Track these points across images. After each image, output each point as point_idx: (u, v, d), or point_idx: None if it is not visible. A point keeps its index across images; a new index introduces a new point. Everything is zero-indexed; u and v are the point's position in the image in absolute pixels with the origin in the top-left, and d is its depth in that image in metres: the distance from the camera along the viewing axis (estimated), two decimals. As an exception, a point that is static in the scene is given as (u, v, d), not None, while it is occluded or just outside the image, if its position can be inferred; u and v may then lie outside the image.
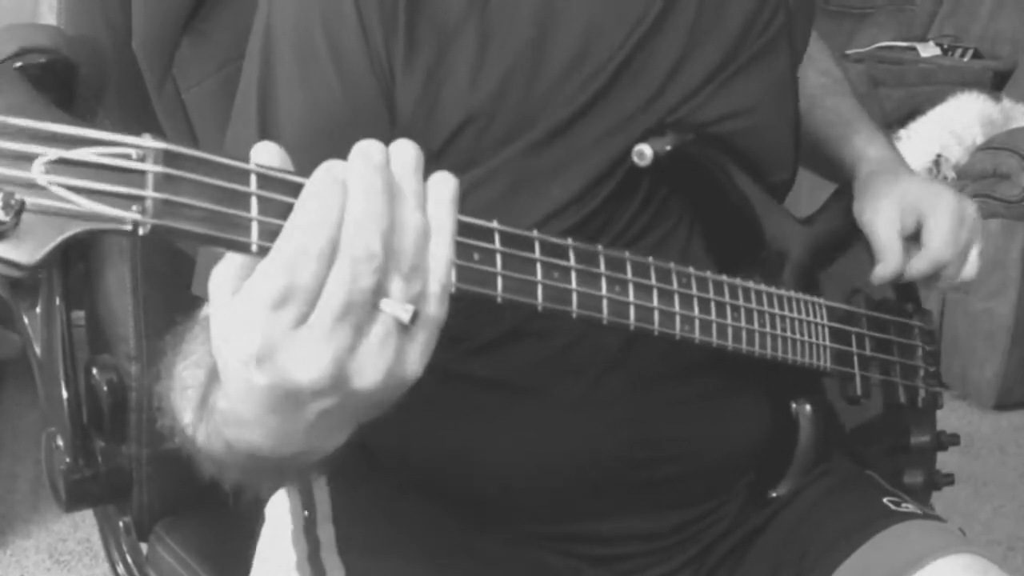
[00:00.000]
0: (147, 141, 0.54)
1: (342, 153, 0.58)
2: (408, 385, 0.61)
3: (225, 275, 0.58)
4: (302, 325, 0.56)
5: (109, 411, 1.12)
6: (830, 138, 1.13)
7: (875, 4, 4.17)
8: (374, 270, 0.56)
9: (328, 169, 0.57)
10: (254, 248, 0.56)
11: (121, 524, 1.18)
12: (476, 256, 0.66)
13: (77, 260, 1.14)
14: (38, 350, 1.12)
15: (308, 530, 0.91)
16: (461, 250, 0.65)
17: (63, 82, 1.01)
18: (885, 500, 0.98)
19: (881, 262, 1.03)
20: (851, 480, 1.02)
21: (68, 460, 1.11)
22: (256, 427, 0.61)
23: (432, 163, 0.84)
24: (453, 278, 0.64)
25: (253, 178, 0.57)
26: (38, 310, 1.11)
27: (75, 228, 0.53)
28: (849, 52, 3.83)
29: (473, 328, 0.88)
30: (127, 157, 0.53)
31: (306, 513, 0.92)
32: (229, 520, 1.09)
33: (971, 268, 1.06)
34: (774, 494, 0.99)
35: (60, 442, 1.12)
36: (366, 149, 0.57)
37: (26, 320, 1.12)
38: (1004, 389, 2.92)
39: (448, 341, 0.88)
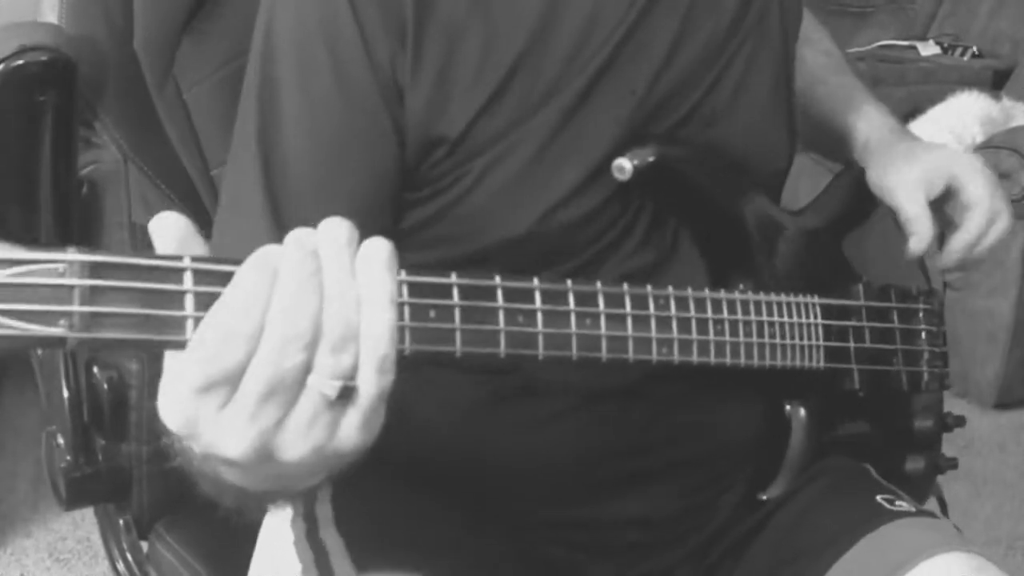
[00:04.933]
0: (71, 255, 0.54)
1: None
2: (350, 457, 0.61)
3: None
4: (227, 406, 0.56)
5: (110, 409, 1.12)
6: (835, 112, 1.13)
7: (875, 3, 4.17)
8: (300, 348, 0.56)
9: (261, 253, 0.57)
10: (189, 344, 0.56)
11: (121, 522, 1.18)
12: (432, 314, 0.64)
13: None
14: (38, 348, 1.12)
15: (307, 512, 0.91)
16: (415, 311, 0.63)
17: (64, 81, 1.02)
18: (879, 498, 0.97)
19: (913, 235, 1.01)
20: (846, 479, 1.02)
21: (68, 458, 1.11)
22: (223, 469, 0.62)
23: (454, 152, 0.84)
24: (407, 342, 0.63)
25: (187, 275, 0.56)
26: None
27: (2, 345, 0.53)
28: (849, 51, 3.82)
29: None
30: (53, 273, 0.54)
31: (304, 498, 0.93)
32: (229, 518, 1.09)
33: (991, 238, 1.04)
34: (764, 497, 0.99)
35: (60, 440, 1.12)
36: (298, 236, 0.57)
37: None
38: (1004, 388, 2.92)
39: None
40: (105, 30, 1.10)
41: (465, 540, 0.91)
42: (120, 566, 1.18)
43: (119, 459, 1.14)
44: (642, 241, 0.91)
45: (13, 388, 2.54)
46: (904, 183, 1.02)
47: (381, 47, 0.82)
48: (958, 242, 1.03)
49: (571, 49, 0.87)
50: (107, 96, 1.09)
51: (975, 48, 3.77)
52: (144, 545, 1.19)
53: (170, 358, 0.58)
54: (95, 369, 1.13)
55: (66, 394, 1.11)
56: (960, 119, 3.14)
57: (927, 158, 1.03)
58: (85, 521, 2.19)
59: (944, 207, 1.05)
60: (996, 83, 3.54)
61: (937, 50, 3.80)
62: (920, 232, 1.01)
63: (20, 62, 0.98)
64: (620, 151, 0.87)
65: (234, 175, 0.86)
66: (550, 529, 0.95)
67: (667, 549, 0.98)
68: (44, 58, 1.00)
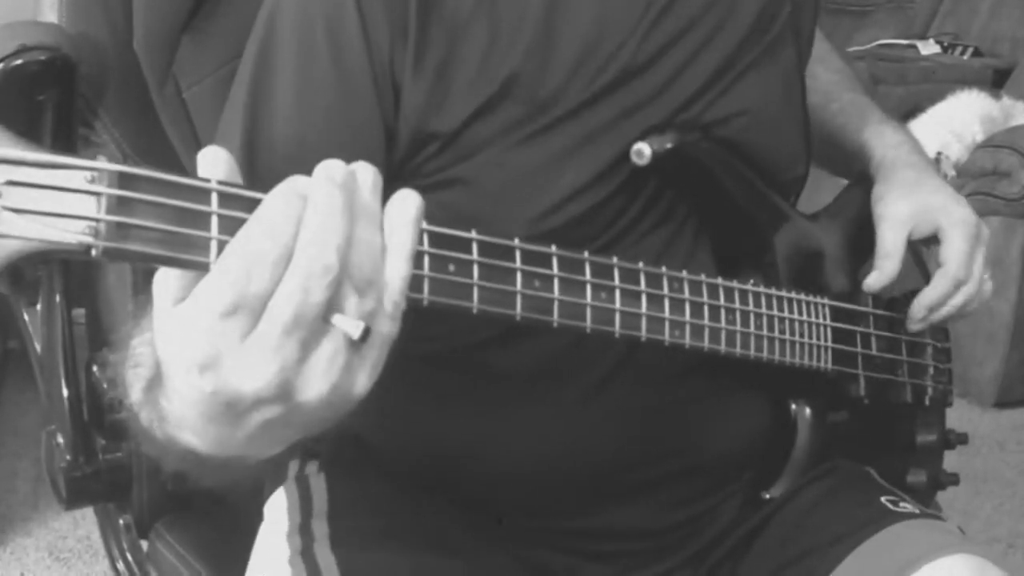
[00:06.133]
0: (101, 163, 0.54)
1: (329, 153, 0.58)
2: (354, 402, 0.60)
3: (168, 280, 0.58)
4: (250, 334, 0.56)
5: (110, 408, 1.12)
6: (847, 127, 1.13)
7: (875, 2, 4.17)
8: (327, 284, 0.56)
9: (290, 182, 0.57)
10: (213, 268, 0.56)
11: (121, 521, 1.18)
12: (451, 267, 0.65)
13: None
14: (39, 348, 1.12)
15: (304, 526, 0.91)
16: (435, 262, 0.64)
17: (63, 80, 1.01)
18: (883, 499, 0.97)
19: (876, 269, 1.01)
20: (850, 479, 1.02)
21: (68, 458, 1.11)
22: (193, 433, 0.62)
23: (446, 148, 0.84)
24: (425, 292, 0.64)
25: (214, 196, 0.56)
26: (38, 307, 1.11)
27: (25, 249, 0.53)
28: (849, 50, 3.82)
29: (482, 321, 0.89)
30: (81, 180, 0.54)
31: (302, 510, 0.93)
32: (229, 517, 1.09)
33: (988, 287, 1.05)
34: (768, 495, 0.99)
35: (60, 440, 1.12)
36: (329, 167, 0.57)
37: (26, 317, 1.12)
38: (1004, 387, 2.92)
39: (458, 333, 0.89)
40: (105, 29, 1.10)
41: (458, 553, 0.91)
42: (120, 565, 1.18)
43: (119, 458, 1.14)
44: (639, 240, 0.91)
45: (13, 387, 2.54)
46: (893, 216, 1.02)
47: (382, 39, 0.82)
48: (923, 299, 1.03)
49: (576, 59, 0.87)
50: (107, 95, 1.09)
51: (975, 47, 3.77)
52: (144, 544, 1.19)
53: (168, 302, 0.57)
54: (95, 368, 1.13)
55: (66, 393, 1.11)
56: (960, 118, 3.15)
57: (924, 199, 1.03)
58: (85, 520, 2.19)
59: (932, 247, 1.05)
60: (996, 82, 3.55)
61: (937, 49, 3.81)
62: (884, 270, 1.01)
63: (20, 61, 0.98)
64: (623, 157, 0.87)
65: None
66: (548, 536, 0.95)
67: (667, 554, 0.98)
68: (44, 57, 1.00)
